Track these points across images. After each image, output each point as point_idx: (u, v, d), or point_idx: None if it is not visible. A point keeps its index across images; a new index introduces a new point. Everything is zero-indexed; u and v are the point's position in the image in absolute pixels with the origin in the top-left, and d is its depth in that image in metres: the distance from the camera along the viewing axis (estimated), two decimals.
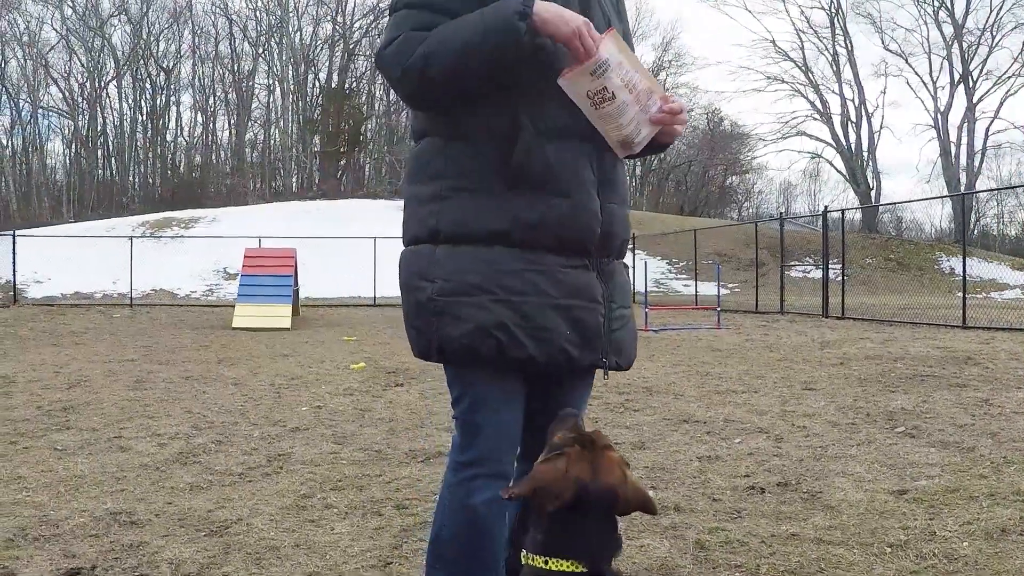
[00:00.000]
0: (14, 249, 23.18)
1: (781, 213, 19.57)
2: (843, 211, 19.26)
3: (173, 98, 58.06)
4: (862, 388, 6.99)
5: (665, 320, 16.73)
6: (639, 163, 65.42)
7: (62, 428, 5.30)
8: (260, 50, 57.71)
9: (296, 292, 16.48)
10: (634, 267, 24.55)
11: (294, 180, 56.86)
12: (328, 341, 11.94)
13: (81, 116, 54.88)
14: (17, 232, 24.80)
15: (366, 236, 24.78)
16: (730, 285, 31.71)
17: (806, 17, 61.32)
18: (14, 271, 23.37)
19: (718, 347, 10.94)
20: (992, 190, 49.77)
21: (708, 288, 27.36)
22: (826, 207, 19.55)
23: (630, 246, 21.47)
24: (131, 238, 25.45)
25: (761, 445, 4.80)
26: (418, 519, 3.47)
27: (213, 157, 58.81)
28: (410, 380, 7.41)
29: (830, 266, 32.43)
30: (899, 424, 5.36)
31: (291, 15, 55.38)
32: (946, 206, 50.60)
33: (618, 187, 2.13)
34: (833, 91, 54.61)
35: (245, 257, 16.60)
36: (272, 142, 59.18)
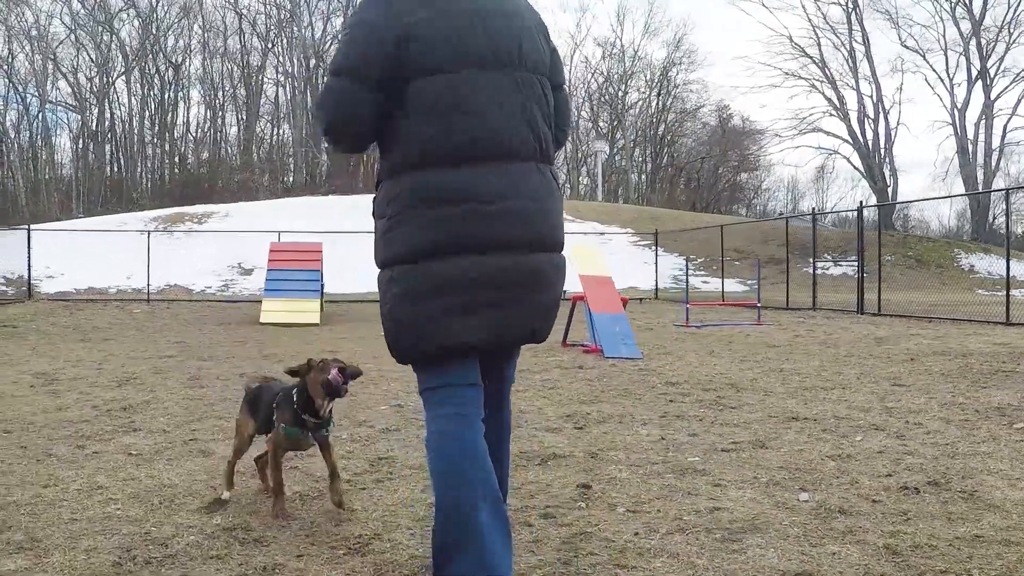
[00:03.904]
0: (29, 244, 22.82)
1: (813, 209, 19.12)
2: (879, 207, 18.82)
3: (182, 93, 57.71)
4: (952, 384, 6.75)
5: (700, 317, 16.31)
6: (649, 160, 65.05)
7: (129, 430, 4.89)
8: (269, 45, 57.33)
9: (321, 287, 16.08)
10: (657, 264, 24.24)
11: (304, 175, 56.40)
12: (367, 337, 11.51)
13: (89, 111, 54.49)
14: (32, 227, 24.43)
15: None
16: (749, 281, 31.28)
17: (823, 13, 60.53)
18: (29, 266, 23.01)
19: (773, 343, 10.56)
20: None
21: (731, 285, 26.99)
22: (861, 203, 19.13)
23: (650, 243, 21.22)
24: (148, 232, 25.05)
25: (887, 443, 4.52)
26: (573, 528, 3.10)
27: (222, 152, 58.42)
28: None
29: (850, 263, 32.11)
30: (1016, 420, 5.10)
31: (301, 9, 54.93)
32: (955, 204, 50.18)
33: None
34: (850, 86, 53.93)
35: (271, 251, 16.22)
36: (282, 137, 58.81)
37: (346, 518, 3.19)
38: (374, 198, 2.46)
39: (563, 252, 2.53)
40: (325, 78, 2.45)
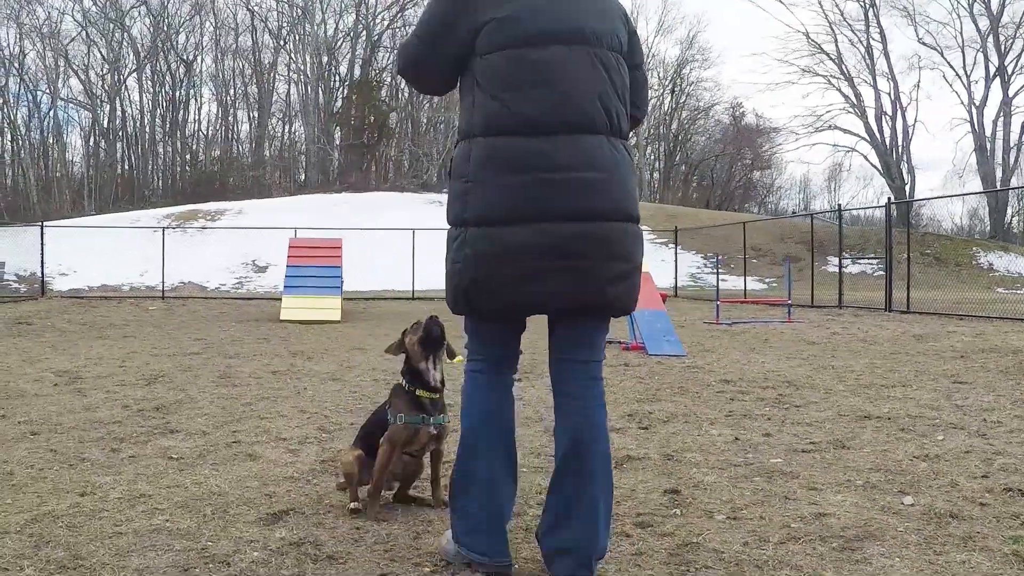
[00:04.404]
0: (42, 241, 22.59)
1: (839, 205, 18.72)
2: (908, 203, 18.43)
3: (193, 91, 57.47)
4: (1014, 381, 6.56)
5: (727, 315, 15.96)
6: (663, 158, 64.63)
7: (165, 431, 4.58)
8: (281, 42, 57.06)
9: (341, 284, 15.79)
10: (676, 261, 23.94)
11: (317, 173, 56.10)
12: (392, 334, 11.16)
13: (101, 108, 54.29)
14: (45, 224, 24.18)
15: (405, 228, 24.04)
16: (767, 279, 30.98)
17: (839, 9, 59.49)
18: (42, 263, 22.78)
19: (811, 340, 10.26)
20: None
21: (749, 283, 26.68)
22: (889, 199, 18.76)
23: (666, 241, 21.14)
24: (163, 229, 24.81)
25: (972, 443, 4.30)
26: (676, 539, 2.82)
27: (233, 150, 58.16)
28: (525, 374, 6.63)
29: (868, 260, 31.71)
30: None
31: (314, 6, 54.57)
32: (968, 202, 49.62)
33: None
34: (867, 83, 53.19)
35: (290, 247, 15.94)
36: (294, 135, 58.54)
37: (424, 530, 2.88)
38: (452, 157, 2.54)
39: (638, 224, 2.54)
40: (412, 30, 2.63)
